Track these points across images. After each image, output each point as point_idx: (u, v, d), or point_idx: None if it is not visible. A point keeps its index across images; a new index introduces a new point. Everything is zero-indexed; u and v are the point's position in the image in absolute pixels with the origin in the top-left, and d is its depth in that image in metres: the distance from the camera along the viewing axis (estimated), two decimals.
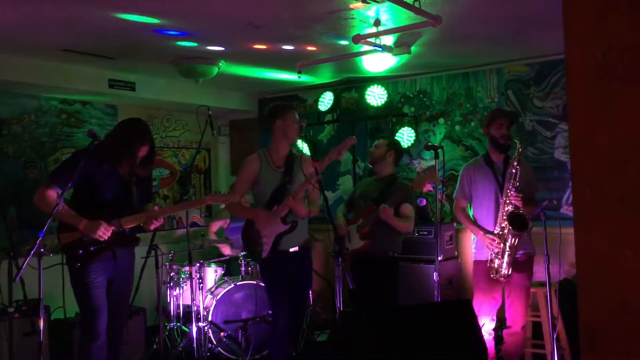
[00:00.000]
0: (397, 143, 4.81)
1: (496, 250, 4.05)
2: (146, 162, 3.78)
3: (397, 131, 5.88)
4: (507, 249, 4.01)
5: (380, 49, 4.36)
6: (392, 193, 4.33)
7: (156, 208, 3.89)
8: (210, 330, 5.06)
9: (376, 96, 5.92)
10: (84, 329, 3.67)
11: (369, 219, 4.36)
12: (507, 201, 3.99)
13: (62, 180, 3.52)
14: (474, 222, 4.24)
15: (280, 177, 3.99)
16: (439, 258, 3.76)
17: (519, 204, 3.96)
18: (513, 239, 3.98)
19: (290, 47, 4.72)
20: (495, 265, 4.07)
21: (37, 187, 3.73)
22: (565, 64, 1.69)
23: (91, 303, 3.58)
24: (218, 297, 5.16)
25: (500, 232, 4.04)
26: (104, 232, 3.54)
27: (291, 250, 3.98)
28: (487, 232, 4.12)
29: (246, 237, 4.08)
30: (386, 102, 5.97)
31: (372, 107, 6.04)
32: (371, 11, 3.87)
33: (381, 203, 4.27)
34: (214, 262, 5.53)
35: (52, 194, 3.52)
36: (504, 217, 4.00)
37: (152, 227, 3.76)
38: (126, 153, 3.66)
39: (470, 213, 4.31)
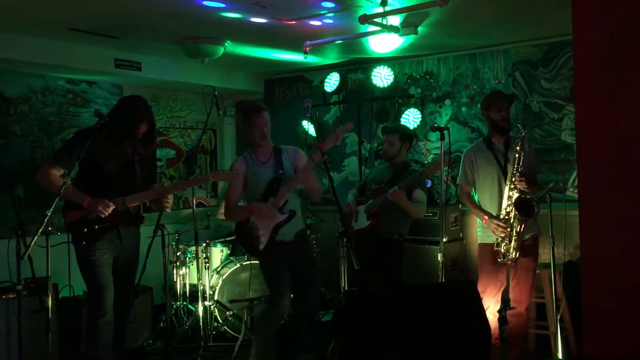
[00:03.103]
0: (406, 131, 4.82)
1: (502, 235, 4.04)
2: (147, 140, 3.78)
3: (403, 112, 5.85)
4: (514, 234, 4.00)
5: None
6: (404, 177, 4.35)
7: (164, 184, 3.92)
8: (216, 309, 5.11)
9: (382, 77, 5.89)
10: (91, 306, 3.70)
11: (378, 200, 4.39)
12: (512, 186, 3.96)
13: (65, 159, 3.54)
14: (480, 207, 4.23)
15: (272, 170, 3.99)
16: (444, 239, 3.76)
17: (524, 187, 3.93)
18: (519, 225, 3.97)
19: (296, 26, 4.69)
20: (502, 250, 4.06)
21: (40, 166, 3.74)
22: (572, 46, 1.68)
23: (97, 280, 3.62)
24: (224, 277, 5.21)
25: (506, 217, 4.02)
26: (104, 208, 3.55)
27: (287, 240, 3.98)
28: (492, 216, 4.11)
29: (240, 231, 4.06)
30: (392, 83, 5.94)
31: (379, 88, 6.01)
32: None
33: (393, 185, 4.29)
34: (219, 242, 5.56)
35: (55, 172, 3.53)
36: (510, 202, 3.98)
37: (168, 208, 3.83)
38: (126, 130, 3.66)
39: (476, 197, 4.30)
